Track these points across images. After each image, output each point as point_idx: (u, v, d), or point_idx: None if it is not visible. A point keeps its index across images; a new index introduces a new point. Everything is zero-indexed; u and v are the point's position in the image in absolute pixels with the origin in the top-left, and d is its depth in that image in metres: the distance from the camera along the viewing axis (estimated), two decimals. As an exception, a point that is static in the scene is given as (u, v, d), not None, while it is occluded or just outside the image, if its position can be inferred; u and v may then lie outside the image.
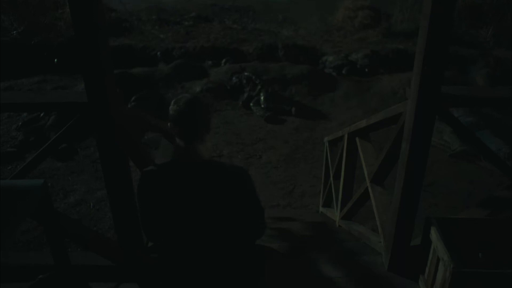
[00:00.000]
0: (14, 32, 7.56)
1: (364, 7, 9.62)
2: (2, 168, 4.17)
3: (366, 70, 7.28)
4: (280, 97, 6.46)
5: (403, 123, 1.85)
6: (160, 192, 1.39)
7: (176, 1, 11.31)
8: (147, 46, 7.96)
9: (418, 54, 1.67)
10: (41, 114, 5.23)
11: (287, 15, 10.50)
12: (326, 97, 6.40)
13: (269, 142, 5.21)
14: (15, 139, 4.81)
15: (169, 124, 1.36)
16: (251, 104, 6.28)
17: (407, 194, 1.90)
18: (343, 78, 6.95)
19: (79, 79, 6.00)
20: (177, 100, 1.36)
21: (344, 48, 8.06)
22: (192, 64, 7.20)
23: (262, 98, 6.32)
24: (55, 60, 6.98)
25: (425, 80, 1.67)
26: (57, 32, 7.60)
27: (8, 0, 7.73)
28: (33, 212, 1.36)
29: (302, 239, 2.69)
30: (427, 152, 1.82)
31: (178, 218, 1.40)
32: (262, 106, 6.22)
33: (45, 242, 2.80)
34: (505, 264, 1.62)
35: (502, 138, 4.65)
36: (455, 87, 2.03)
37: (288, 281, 1.98)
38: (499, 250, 1.69)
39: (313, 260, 2.13)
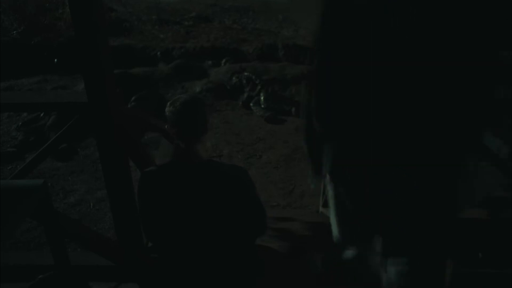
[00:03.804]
0: (14, 32, 7.56)
1: (364, 7, 9.62)
2: (2, 168, 4.16)
3: (366, 70, 7.28)
4: (280, 97, 6.46)
5: (403, 123, 1.85)
6: (160, 193, 1.39)
7: (176, 1, 11.30)
8: (147, 46, 7.96)
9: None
10: (41, 114, 5.23)
11: (287, 15, 10.49)
12: (326, 97, 6.39)
13: (269, 142, 5.20)
14: (15, 139, 4.81)
15: (166, 126, 1.36)
16: (251, 104, 6.28)
17: (407, 194, 1.89)
18: (343, 78, 6.95)
19: (79, 79, 6.00)
20: (173, 101, 1.36)
21: (344, 48, 8.05)
22: (192, 64, 7.20)
23: (262, 98, 6.32)
24: (55, 60, 6.98)
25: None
26: (57, 32, 7.60)
27: (8, 0, 7.73)
28: (33, 212, 1.36)
29: (302, 239, 2.68)
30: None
31: (178, 219, 1.40)
32: (262, 106, 6.22)
33: (45, 242, 2.80)
34: (505, 264, 1.62)
35: (502, 138, 4.65)
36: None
37: (288, 281, 1.99)
38: (499, 250, 1.69)
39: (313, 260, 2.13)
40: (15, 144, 4.68)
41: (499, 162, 1.97)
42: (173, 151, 1.39)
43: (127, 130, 1.86)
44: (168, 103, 1.37)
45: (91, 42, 1.57)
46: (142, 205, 1.43)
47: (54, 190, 3.78)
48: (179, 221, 1.39)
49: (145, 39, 8.51)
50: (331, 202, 1.43)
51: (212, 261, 1.42)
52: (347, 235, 1.42)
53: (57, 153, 4.35)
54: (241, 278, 1.49)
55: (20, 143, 4.69)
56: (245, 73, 6.81)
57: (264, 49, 8.08)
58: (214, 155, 4.77)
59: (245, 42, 8.61)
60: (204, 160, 1.41)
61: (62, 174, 4.16)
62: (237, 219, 1.41)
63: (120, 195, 1.91)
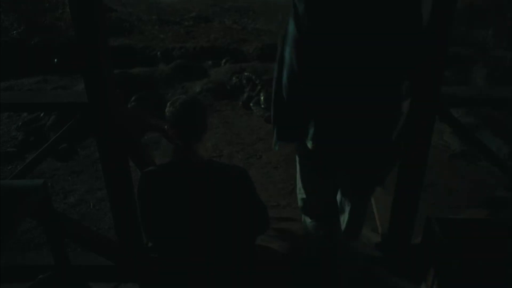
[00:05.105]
0: (14, 32, 7.56)
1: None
2: (2, 168, 4.16)
3: (366, 70, 7.27)
4: (280, 97, 6.45)
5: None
6: (160, 193, 1.39)
7: (176, 1, 11.30)
8: (147, 46, 7.96)
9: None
10: (41, 114, 5.23)
11: (287, 15, 10.48)
12: (326, 97, 6.38)
13: (269, 142, 5.19)
14: (15, 139, 4.81)
15: (166, 126, 1.36)
16: (251, 104, 6.28)
17: (407, 194, 1.90)
18: (343, 78, 6.94)
19: (79, 79, 5.99)
20: (173, 101, 1.37)
21: (344, 48, 8.04)
22: (192, 64, 7.20)
23: (262, 98, 6.32)
24: (55, 60, 6.97)
25: (425, 80, 1.67)
26: (57, 32, 7.60)
27: (8, 0, 7.73)
28: (33, 212, 1.36)
29: (302, 239, 2.68)
30: (427, 152, 1.82)
31: (178, 219, 1.40)
32: (262, 106, 6.21)
33: (45, 242, 2.80)
34: (505, 265, 1.62)
35: (502, 138, 4.65)
36: (455, 87, 2.03)
37: (286, 280, 1.99)
38: (499, 251, 1.69)
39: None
40: (15, 144, 4.68)
41: (499, 162, 1.97)
42: (173, 151, 1.39)
43: (127, 130, 1.86)
44: (168, 104, 1.37)
45: (91, 42, 1.57)
46: (142, 205, 1.43)
47: (54, 190, 3.78)
48: (179, 221, 1.39)
49: (145, 39, 8.50)
50: (298, 165, 1.91)
51: (212, 261, 1.42)
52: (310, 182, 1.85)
53: (57, 153, 4.35)
54: (240, 277, 1.49)
55: (20, 143, 4.69)
56: (245, 73, 6.81)
57: (264, 49, 8.06)
58: (214, 155, 4.76)
59: (245, 42, 8.60)
60: (204, 160, 1.41)
61: (62, 174, 4.16)
62: (237, 219, 1.41)
63: (120, 195, 1.91)
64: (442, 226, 1.70)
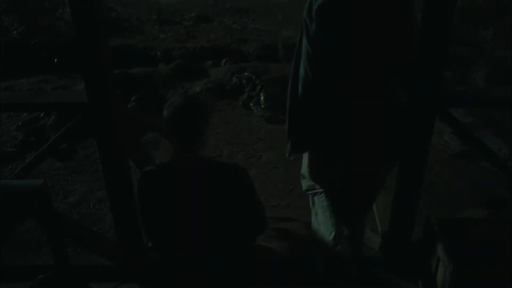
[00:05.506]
0: (14, 32, 7.56)
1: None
2: (2, 168, 4.16)
3: (366, 70, 7.26)
4: (280, 97, 6.45)
5: (403, 123, 1.86)
6: (160, 193, 1.39)
7: (176, 1, 11.30)
8: (147, 46, 7.96)
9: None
10: (41, 114, 5.23)
11: (287, 15, 10.49)
12: (326, 97, 6.38)
13: (269, 142, 5.20)
14: (15, 139, 4.81)
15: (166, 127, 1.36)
16: (251, 104, 6.28)
17: (407, 194, 1.90)
18: (343, 78, 6.93)
19: (79, 79, 5.99)
20: (170, 103, 1.37)
21: (344, 48, 8.03)
22: (192, 64, 7.19)
23: (262, 98, 6.31)
24: (55, 60, 6.97)
25: (425, 80, 1.67)
26: (57, 32, 7.60)
27: (8, 0, 7.74)
28: (33, 212, 1.36)
29: (302, 239, 2.68)
30: (427, 152, 1.82)
31: (178, 219, 1.40)
32: (262, 106, 6.21)
33: (45, 242, 2.80)
34: (505, 265, 1.62)
35: (502, 138, 4.65)
36: (455, 87, 2.03)
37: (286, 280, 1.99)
38: (499, 251, 1.69)
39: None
40: (15, 144, 4.68)
41: (499, 162, 1.97)
42: (173, 151, 1.40)
43: (127, 130, 1.86)
44: (165, 105, 1.37)
45: (91, 42, 1.58)
46: (142, 205, 1.43)
47: (54, 190, 3.78)
48: (179, 221, 1.39)
49: (145, 39, 8.50)
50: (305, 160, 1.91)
51: (212, 261, 1.42)
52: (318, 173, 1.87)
53: (57, 153, 4.35)
54: (240, 277, 1.49)
55: (20, 143, 4.69)
56: (245, 73, 6.80)
57: (264, 49, 8.06)
58: (214, 155, 4.76)
59: (245, 42, 8.60)
60: (204, 159, 1.41)
61: (62, 174, 4.16)
62: (236, 218, 1.41)
63: (120, 195, 1.91)
64: (442, 226, 1.71)
